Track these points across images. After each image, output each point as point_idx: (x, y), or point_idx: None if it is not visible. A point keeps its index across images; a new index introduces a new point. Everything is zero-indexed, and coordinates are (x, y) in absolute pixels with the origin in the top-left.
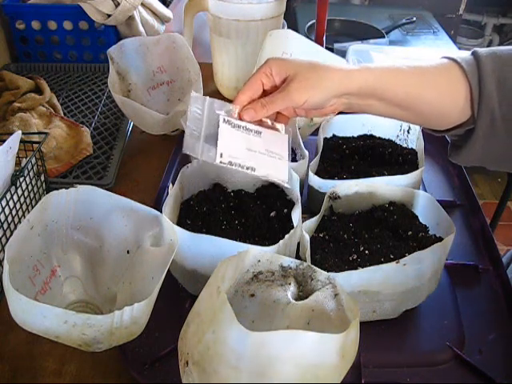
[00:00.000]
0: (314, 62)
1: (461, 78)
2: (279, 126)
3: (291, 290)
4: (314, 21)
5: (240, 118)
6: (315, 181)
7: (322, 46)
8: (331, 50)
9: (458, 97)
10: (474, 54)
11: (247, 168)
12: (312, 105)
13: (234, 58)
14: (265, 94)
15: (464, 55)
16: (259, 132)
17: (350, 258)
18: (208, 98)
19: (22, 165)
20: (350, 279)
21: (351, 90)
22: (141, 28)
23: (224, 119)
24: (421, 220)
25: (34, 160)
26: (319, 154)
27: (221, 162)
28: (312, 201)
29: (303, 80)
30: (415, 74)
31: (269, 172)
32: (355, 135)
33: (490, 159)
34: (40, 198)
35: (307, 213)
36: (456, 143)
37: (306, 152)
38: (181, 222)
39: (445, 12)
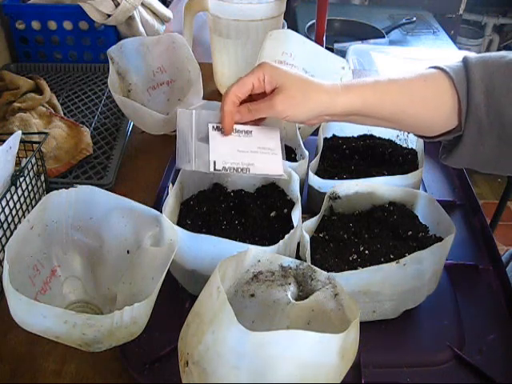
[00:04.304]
0: (304, 78)
1: (448, 89)
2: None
3: (291, 289)
4: (314, 21)
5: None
6: (315, 181)
7: (322, 45)
8: (331, 50)
9: (445, 108)
10: (464, 61)
11: (241, 170)
12: (293, 120)
13: (234, 58)
14: (250, 97)
15: (453, 63)
16: (249, 131)
17: (350, 258)
18: (194, 110)
19: (22, 165)
20: (350, 279)
21: (334, 112)
22: (141, 28)
23: (213, 127)
24: (421, 220)
25: (34, 160)
26: (319, 153)
27: (215, 170)
28: (312, 201)
29: (289, 97)
30: (402, 91)
31: (263, 169)
32: (355, 135)
33: (478, 164)
34: (40, 198)
35: (307, 213)
36: (446, 147)
37: (306, 152)
38: (181, 222)
39: (445, 12)
